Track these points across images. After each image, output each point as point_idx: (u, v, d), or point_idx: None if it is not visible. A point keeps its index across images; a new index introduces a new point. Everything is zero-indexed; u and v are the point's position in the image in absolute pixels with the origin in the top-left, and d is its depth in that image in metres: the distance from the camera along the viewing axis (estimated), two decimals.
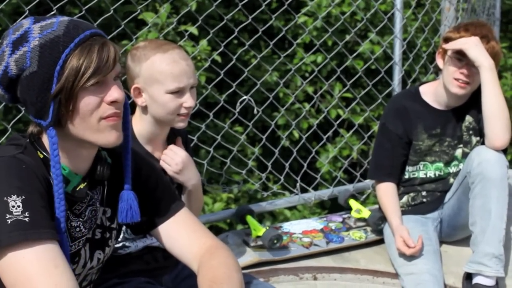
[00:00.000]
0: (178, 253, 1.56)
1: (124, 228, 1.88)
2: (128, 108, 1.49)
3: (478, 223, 2.41)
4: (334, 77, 3.64)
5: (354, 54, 3.68)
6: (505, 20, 5.64)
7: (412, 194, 2.72)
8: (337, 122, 3.61)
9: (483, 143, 2.57)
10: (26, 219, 1.24)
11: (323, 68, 4.31)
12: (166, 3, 3.41)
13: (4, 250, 1.23)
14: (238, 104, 2.89)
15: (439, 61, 2.62)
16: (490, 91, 2.45)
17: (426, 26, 3.96)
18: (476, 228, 2.41)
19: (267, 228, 2.61)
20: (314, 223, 2.89)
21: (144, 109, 1.98)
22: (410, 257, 2.47)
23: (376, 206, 2.98)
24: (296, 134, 4.25)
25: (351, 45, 4.62)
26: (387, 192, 2.68)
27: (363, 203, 3.30)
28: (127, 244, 1.97)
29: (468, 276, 2.44)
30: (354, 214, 2.88)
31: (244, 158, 3.38)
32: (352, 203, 2.95)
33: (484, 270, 2.35)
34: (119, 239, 1.95)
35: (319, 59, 4.32)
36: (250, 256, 2.53)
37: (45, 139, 1.39)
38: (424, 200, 2.70)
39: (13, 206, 1.24)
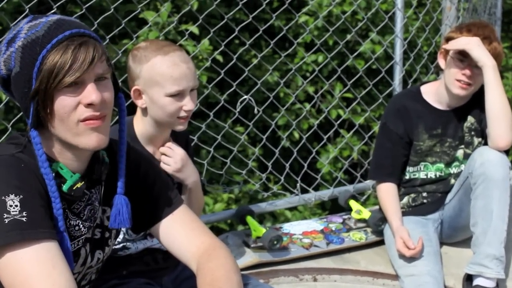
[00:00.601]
0: (176, 251, 1.56)
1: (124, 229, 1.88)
2: (124, 109, 1.48)
3: (479, 224, 2.40)
4: (335, 76, 3.64)
5: (355, 54, 3.68)
6: (507, 20, 5.64)
7: (412, 195, 2.71)
8: (338, 122, 3.60)
9: (485, 144, 2.56)
10: (24, 218, 1.24)
11: (324, 68, 4.31)
12: (167, 2, 3.40)
13: (2, 250, 1.23)
14: (238, 104, 2.89)
15: (441, 61, 2.62)
16: (494, 91, 2.44)
17: (427, 25, 3.95)
18: (477, 229, 2.41)
19: (267, 229, 2.61)
20: (314, 224, 2.88)
21: (144, 111, 1.97)
22: (411, 259, 2.47)
23: (376, 207, 2.98)
24: (296, 134, 4.25)
25: (352, 44, 4.62)
26: (387, 192, 2.67)
27: (363, 204, 3.30)
28: (127, 245, 1.96)
29: (469, 278, 2.43)
30: (354, 215, 2.88)
31: (245, 158, 3.37)
32: (353, 204, 2.94)
33: (485, 272, 2.35)
34: (119, 240, 1.94)
35: (320, 58, 4.32)
36: (250, 257, 2.52)
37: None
38: (425, 201, 2.70)
39: (11, 206, 1.24)
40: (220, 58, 3.51)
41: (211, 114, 2.95)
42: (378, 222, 2.74)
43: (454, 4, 3.68)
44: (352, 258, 2.69)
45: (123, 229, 1.91)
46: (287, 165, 3.21)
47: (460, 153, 2.66)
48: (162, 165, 2.02)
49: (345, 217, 2.96)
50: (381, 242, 2.76)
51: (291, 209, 4.08)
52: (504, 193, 2.38)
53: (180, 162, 2.02)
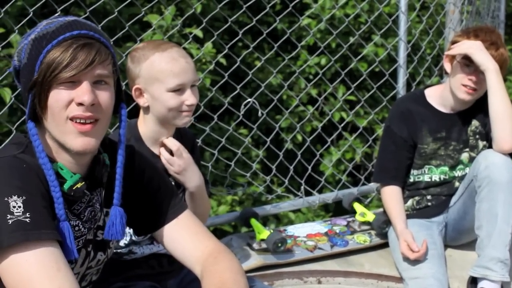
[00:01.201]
0: (180, 256, 1.56)
1: (131, 230, 1.88)
2: (124, 120, 1.48)
3: (484, 227, 2.40)
4: (339, 79, 3.63)
5: (359, 57, 3.68)
6: (510, 23, 5.64)
7: (417, 198, 2.71)
8: (342, 125, 3.60)
9: (489, 147, 2.56)
10: (27, 219, 1.24)
11: (327, 71, 4.31)
12: (171, 5, 3.40)
13: (6, 252, 1.23)
14: (242, 106, 2.89)
15: (446, 65, 2.61)
16: (497, 94, 2.44)
17: (430, 28, 3.95)
18: (482, 232, 2.40)
19: (272, 231, 2.61)
20: (318, 227, 2.88)
21: (147, 110, 1.97)
22: (415, 261, 2.46)
23: (380, 209, 2.98)
24: (299, 137, 4.24)
25: (355, 47, 4.62)
26: (392, 195, 2.67)
27: (367, 206, 3.29)
28: (133, 250, 1.96)
29: (473, 281, 2.43)
30: (358, 217, 2.87)
31: (249, 160, 3.37)
32: (357, 206, 2.94)
33: (490, 275, 2.34)
34: (126, 242, 1.94)
35: (323, 61, 4.31)
36: (254, 260, 2.52)
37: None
38: (429, 204, 2.69)
39: (14, 207, 1.24)
40: (223, 61, 3.51)
41: (215, 116, 2.95)
42: (383, 225, 2.74)
43: (458, 7, 3.68)
44: (357, 260, 2.69)
45: (130, 231, 1.91)
46: (291, 167, 3.21)
47: (465, 156, 2.66)
48: (164, 163, 2.01)
49: (350, 219, 2.96)
50: (385, 245, 2.76)
51: (295, 211, 4.07)
52: (509, 196, 2.37)
53: (183, 164, 2.01)
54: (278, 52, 3.57)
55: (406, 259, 2.49)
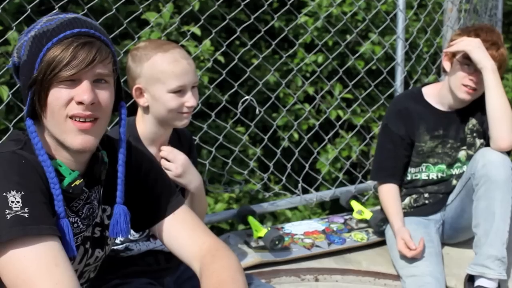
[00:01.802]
0: (178, 251, 1.56)
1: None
2: (125, 119, 1.48)
3: (481, 225, 2.40)
4: (336, 77, 3.64)
5: (356, 55, 3.68)
6: (507, 21, 5.65)
7: (414, 196, 2.71)
8: (339, 123, 3.60)
9: (487, 145, 2.56)
10: (26, 214, 1.24)
11: (324, 69, 4.31)
12: (169, 3, 3.40)
13: (5, 247, 1.23)
14: (240, 104, 2.89)
15: (445, 64, 2.61)
16: (494, 92, 2.44)
17: (428, 26, 3.95)
18: (480, 230, 2.41)
19: (269, 229, 2.61)
20: (315, 224, 2.88)
21: (146, 110, 1.97)
22: (412, 259, 2.47)
23: (377, 207, 2.98)
24: (296, 134, 4.25)
25: (352, 45, 4.62)
26: (389, 193, 2.68)
27: (364, 204, 3.30)
28: (129, 247, 1.96)
29: (470, 278, 2.44)
30: (356, 215, 2.88)
31: (246, 158, 3.37)
32: (354, 204, 2.95)
33: (487, 273, 2.35)
34: (122, 240, 1.94)
35: (320, 59, 4.32)
36: (251, 257, 2.52)
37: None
38: (427, 202, 2.70)
39: (13, 202, 1.24)
40: (221, 58, 3.50)
41: (213, 114, 2.96)
42: (380, 223, 2.75)
43: (456, 6, 3.68)
44: (354, 258, 2.70)
45: None
46: (289, 165, 3.21)
47: (462, 154, 2.66)
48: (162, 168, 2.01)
49: (347, 217, 2.96)
50: (382, 243, 2.76)
51: (292, 208, 4.08)
52: (506, 194, 2.38)
53: (181, 167, 2.01)
54: (275, 50, 3.58)
55: (403, 257, 2.50)
